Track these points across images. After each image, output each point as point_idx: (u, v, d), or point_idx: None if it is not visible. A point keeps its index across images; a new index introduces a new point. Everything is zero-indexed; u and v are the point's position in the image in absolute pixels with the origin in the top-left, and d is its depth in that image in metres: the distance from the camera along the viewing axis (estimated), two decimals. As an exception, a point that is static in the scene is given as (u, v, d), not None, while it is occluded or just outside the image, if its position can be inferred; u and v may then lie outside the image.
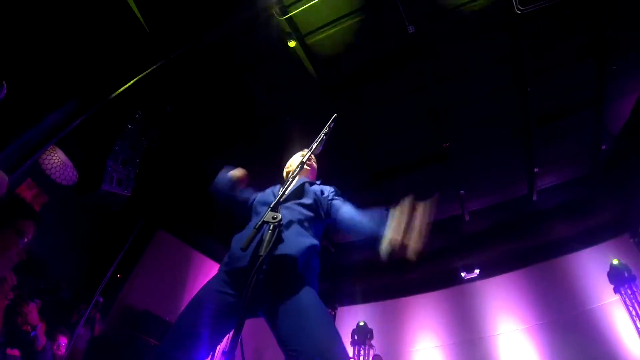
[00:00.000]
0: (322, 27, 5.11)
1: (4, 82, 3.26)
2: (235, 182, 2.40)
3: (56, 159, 5.73)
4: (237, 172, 2.50)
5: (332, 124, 2.03)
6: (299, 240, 1.82)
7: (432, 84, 5.66)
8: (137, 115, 5.12)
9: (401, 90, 5.86)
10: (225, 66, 5.56)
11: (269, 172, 6.62)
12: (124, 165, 5.11)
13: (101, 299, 6.00)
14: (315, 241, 1.92)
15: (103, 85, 4.67)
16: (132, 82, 4.75)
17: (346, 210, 2.07)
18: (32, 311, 3.34)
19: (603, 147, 6.81)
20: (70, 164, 5.90)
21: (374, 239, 1.78)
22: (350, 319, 8.97)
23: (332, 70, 5.66)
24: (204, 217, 7.72)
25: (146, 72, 4.73)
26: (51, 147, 5.48)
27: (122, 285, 6.69)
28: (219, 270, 1.85)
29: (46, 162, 5.65)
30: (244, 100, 6.02)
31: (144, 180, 5.82)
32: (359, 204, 6.49)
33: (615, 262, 6.65)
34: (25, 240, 1.48)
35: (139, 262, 7.02)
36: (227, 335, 1.71)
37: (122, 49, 4.72)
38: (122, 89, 4.72)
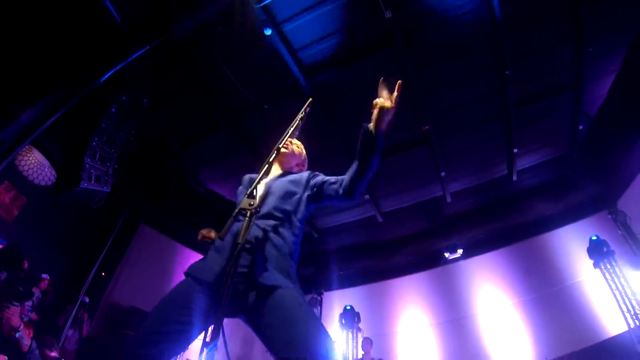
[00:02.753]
0: (298, 14, 5.06)
1: None
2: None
3: (32, 159, 5.61)
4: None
5: (308, 108, 2.00)
6: (279, 240, 1.79)
7: (411, 67, 5.66)
8: (113, 110, 5.01)
9: (379, 74, 5.84)
10: (202, 56, 5.47)
11: (250, 160, 6.69)
12: (102, 161, 5.02)
13: (87, 299, 5.93)
14: (294, 237, 1.90)
15: (77, 81, 4.55)
16: (107, 75, 4.63)
17: (330, 178, 2.07)
18: (13, 315, 3.30)
19: (580, 127, 6.95)
20: (47, 163, 5.77)
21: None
22: (337, 303, 9.05)
23: (310, 57, 5.61)
24: (186, 210, 7.66)
25: (121, 65, 4.61)
26: (27, 147, 5.35)
27: (107, 283, 6.63)
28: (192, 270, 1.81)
29: (22, 163, 5.53)
30: (222, 90, 5.94)
31: (123, 175, 5.73)
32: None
33: (594, 238, 6.83)
34: None
35: (123, 259, 6.95)
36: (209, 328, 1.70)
37: (96, 42, 4.59)
38: (97, 83, 4.60)
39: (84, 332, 5.84)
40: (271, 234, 1.81)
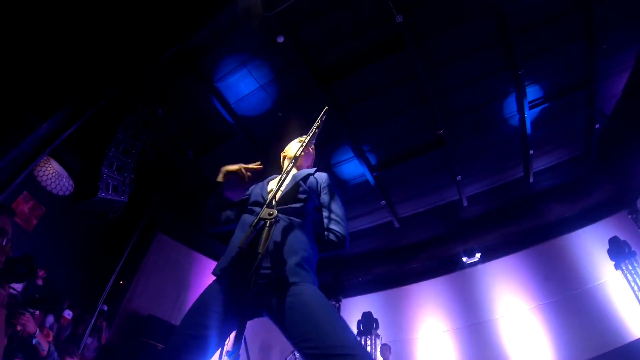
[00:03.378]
0: (310, 19, 5.09)
1: None
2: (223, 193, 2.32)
3: (50, 169, 5.70)
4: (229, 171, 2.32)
5: (324, 116, 2.01)
6: (296, 240, 1.81)
7: (422, 71, 5.65)
8: (128, 120, 5.08)
9: (392, 79, 5.86)
10: (214, 66, 5.53)
11: (266, 167, 6.69)
12: (119, 171, 5.08)
13: (105, 308, 5.99)
14: (311, 237, 1.92)
15: (94, 92, 4.63)
16: (122, 87, 4.70)
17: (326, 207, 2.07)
18: (28, 321, 3.36)
19: (596, 126, 6.84)
20: (65, 173, 5.86)
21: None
22: (355, 309, 8.97)
23: (322, 63, 5.64)
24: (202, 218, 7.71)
25: (135, 76, 4.68)
26: (45, 157, 5.44)
27: (125, 291, 6.69)
28: (217, 270, 1.84)
29: (41, 173, 5.62)
30: (235, 99, 6.00)
31: (140, 185, 5.79)
32: (356, 196, 6.50)
33: (614, 239, 6.68)
34: (4, 236, 1.47)
35: (140, 268, 7.02)
36: (231, 336, 1.71)
37: (110, 54, 4.67)
38: (113, 94, 4.67)
39: (102, 340, 5.89)
40: (289, 230, 1.83)
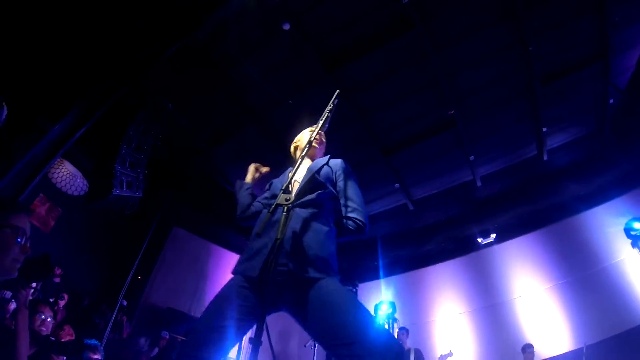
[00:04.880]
0: (314, 5, 5.03)
1: (3, 104, 3.22)
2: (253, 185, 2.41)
3: (64, 170, 5.77)
4: (254, 172, 2.49)
5: (336, 100, 1.98)
6: (314, 233, 1.79)
7: (431, 51, 5.56)
8: (139, 117, 5.10)
9: (401, 61, 5.78)
10: (221, 56, 5.51)
11: (278, 155, 6.71)
12: (132, 167, 5.12)
13: (125, 303, 6.09)
14: (331, 227, 1.91)
15: (103, 90, 4.64)
16: (131, 84, 4.71)
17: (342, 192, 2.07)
18: (44, 321, 3.44)
19: (611, 101, 6.68)
20: (79, 173, 5.93)
21: None
22: (372, 294, 9.06)
23: (329, 48, 5.58)
24: (217, 209, 7.77)
25: (144, 72, 4.69)
26: (58, 159, 5.51)
27: (144, 286, 6.79)
28: (238, 266, 1.85)
29: (55, 175, 5.69)
30: (244, 88, 5.98)
31: (154, 180, 5.84)
32: (370, 180, 6.49)
33: (631, 216, 6.57)
34: (23, 235, 1.48)
35: (158, 262, 7.11)
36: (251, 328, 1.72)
37: (117, 51, 4.68)
38: (122, 91, 4.69)
39: (124, 335, 6.01)
40: (308, 223, 1.82)
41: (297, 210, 1.85)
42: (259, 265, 1.65)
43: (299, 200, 1.89)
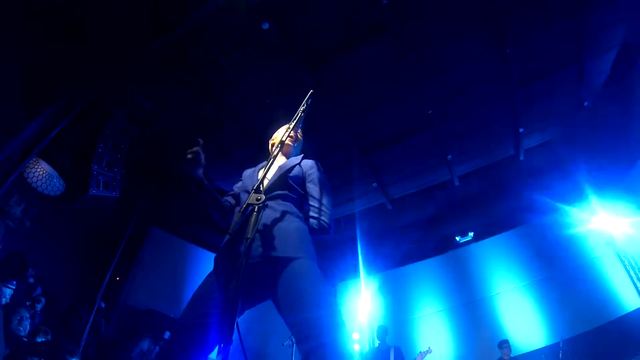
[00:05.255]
0: (294, 7, 5.02)
1: None
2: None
3: (40, 170, 5.65)
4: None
5: (310, 100, 2.00)
6: (286, 224, 1.84)
7: (410, 52, 5.61)
8: (116, 116, 5.02)
9: (379, 61, 5.82)
10: (201, 56, 5.46)
11: (256, 153, 6.69)
12: (109, 167, 5.04)
13: (103, 305, 5.99)
14: (301, 223, 1.95)
15: (79, 89, 4.56)
16: (108, 84, 4.64)
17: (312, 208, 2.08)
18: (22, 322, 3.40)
19: (586, 104, 6.87)
20: (55, 173, 5.81)
21: None
22: (351, 293, 9.13)
23: (310, 48, 5.57)
24: (197, 210, 7.70)
25: (121, 71, 4.62)
26: (34, 159, 5.39)
27: (122, 288, 6.69)
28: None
29: (31, 175, 5.57)
30: (224, 88, 5.94)
31: (131, 180, 5.75)
32: (348, 179, 6.50)
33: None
34: None
35: (136, 263, 7.01)
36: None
37: (95, 50, 4.60)
38: (99, 90, 4.62)
39: (102, 337, 5.91)
40: (279, 218, 1.86)
41: (268, 207, 1.89)
42: (232, 262, 1.65)
43: (270, 194, 1.95)
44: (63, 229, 6.22)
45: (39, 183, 5.76)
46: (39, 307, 5.02)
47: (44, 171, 5.80)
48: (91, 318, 5.60)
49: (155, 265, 7.28)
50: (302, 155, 2.31)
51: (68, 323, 5.56)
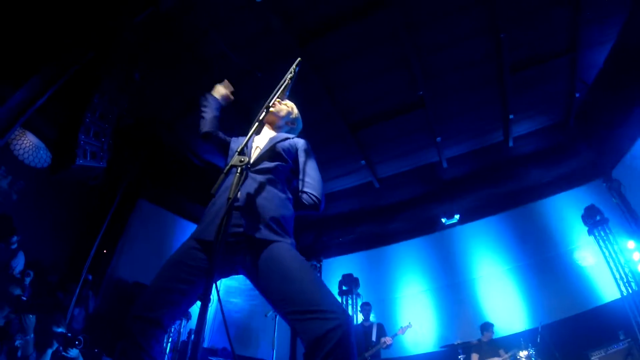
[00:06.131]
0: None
1: None
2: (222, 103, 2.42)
3: (27, 142, 5.59)
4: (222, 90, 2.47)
5: (297, 67, 1.97)
6: (270, 197, 1.82)
7: (402, 31, 5.57)
8: (104, 85, 4.92)
9: (372, 39, 5.77)
10: (190, 27, 5.37)
11: (244, 127, 6.59)
12: (97, 137, 4.95)
13: (90, 277, 5.98)
14: (288, 195, 1.94)
15: (66, 57, 4.47)
16: (95, 52, 4.55)
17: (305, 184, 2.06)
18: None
19: (577, 95, 6.90)
20: (42, 145, 5.75)
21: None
22: (336, 270, 9.19)
23: (301, 22, 5.51)
24: (183, 182, 7.69)
25: (109, 40, 4.53)
26: (20, 131, 5.31)
27: (110, 260, 6.68)
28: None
29: (17, 147, 5.51)
30: (214, 60, 5.87)
31: (119, 151, 5.69)
32: (336, 155, 6.51)
33: (588, 206, 6.91)
34: None
35: (123, 235, 6.99)
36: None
37: (83, 17, 4.49)
38: (85, 59, 4.53)
39: (90, 310, 5.92)
40: (264, 188, 1.84)
41: (254, 175, 1.88)
42: (214, 228, 1.64)
43: (257, 166, 1.93)
44: (50, 201, 6.17)
45: (25, 155, 5.70)
46: (27, 280, 5.01)
47: (31, 143, 5.73)
48: (77, 290, 5.60)
49: (142, 237, 7.29)
50: (294, 135, 2.30)
51: (55, 295, 5.55)
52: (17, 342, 3.50)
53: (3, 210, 5.33)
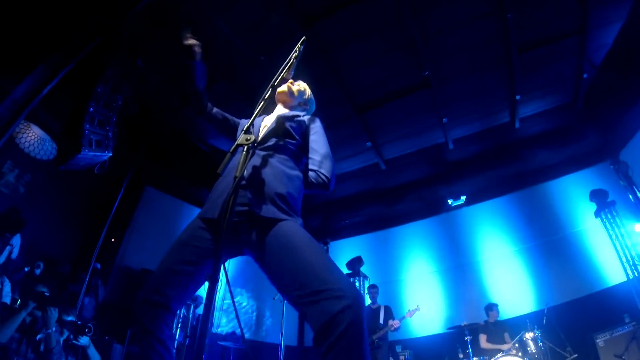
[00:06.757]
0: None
1: None
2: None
3: (32, 135, 5.60)
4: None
5: (302, 46, 1.91)
6: (278, 175, 1.78)
7: (408, 12, 5.46)
8: (108, 74, 4.89)
9: (378, 20, 5.66)
10: (193, 13, 5.30)
11: (250, 111, 6.56)
12: (101, 126, 4.94)
13: (99, 266, 6.03)
14: (296, 173, 1.89)
15: (69, 48, 4.43)
16: (97, 40, 4.51)
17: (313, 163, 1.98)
18: None
19: (585, 75, 6.77)
20: (47, 137, 5.75)
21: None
22: (343, 252, 9.25)
23: (304, 4, 5.41)
24: (189, 168, 7.68)
25: (112, 28, 4.48)
26: (25, 123, 5.30)
27: (118, 248, 6.73)
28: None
29: (23, 140, 5.52)
30: (217, 44, 5.79)
31: (124, 139, 5.68)
32: (342, 137, 6.46)
33: (595, 188, 6.88)
34: None
35: (131, 223, 7.02)
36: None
37: (85, 6, 4.43)
38: (89, 48, 4.49)
39: (99, 298, 5.99)
40: (271, 165, 1.80)
41: (260, 152, 1.84)
42: (219, 206, 1.62)
43: (265, 143, 1.90)
44: (57, 192, 6.20)
45: (31, 148, 5.70)
46: (37, 271, 5.05)
47: (36, 135, 5.73)
48: (86, 279, 5.65)
49: (150, 225, 7.31)
50: (305, 113, 2.26)
51: (65, 285, 5.61)
52: (39, 336, 3.57)
53: (11, 203, 5.36)
